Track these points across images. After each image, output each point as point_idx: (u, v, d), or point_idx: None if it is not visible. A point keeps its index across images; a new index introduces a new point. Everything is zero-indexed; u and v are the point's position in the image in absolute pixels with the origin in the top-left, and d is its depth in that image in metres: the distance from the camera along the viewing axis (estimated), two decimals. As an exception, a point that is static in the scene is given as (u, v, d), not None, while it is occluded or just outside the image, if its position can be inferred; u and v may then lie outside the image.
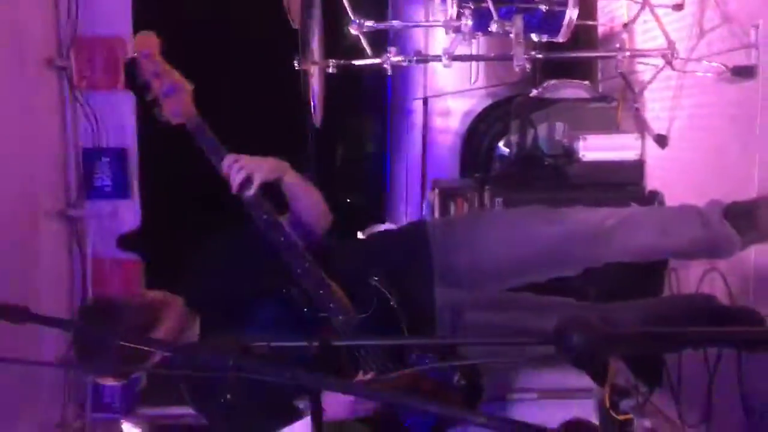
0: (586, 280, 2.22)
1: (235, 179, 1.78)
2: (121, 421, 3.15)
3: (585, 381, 3.28)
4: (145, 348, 1.61)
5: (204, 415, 1.76)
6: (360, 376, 1.78)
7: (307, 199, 1.93)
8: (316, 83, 2.86)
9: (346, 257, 1.95)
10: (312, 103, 2.90)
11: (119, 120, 3.16)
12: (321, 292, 1.80)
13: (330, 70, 2.85)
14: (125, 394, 3.17)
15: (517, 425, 0.74)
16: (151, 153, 3.29)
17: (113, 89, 3.14)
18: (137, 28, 3.08)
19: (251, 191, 1.79)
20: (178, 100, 1.78)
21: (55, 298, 3.03)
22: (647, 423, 2.86)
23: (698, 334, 1.03)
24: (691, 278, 2.53)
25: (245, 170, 1.78)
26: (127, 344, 1.40)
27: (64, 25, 3.01)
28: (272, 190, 1.87)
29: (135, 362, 1.67)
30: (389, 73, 2.63)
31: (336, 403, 1.64)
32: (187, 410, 3.15)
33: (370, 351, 1.84)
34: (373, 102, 4.76)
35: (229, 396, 0.86)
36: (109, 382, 1.95)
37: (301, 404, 1.67)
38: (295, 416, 1.69)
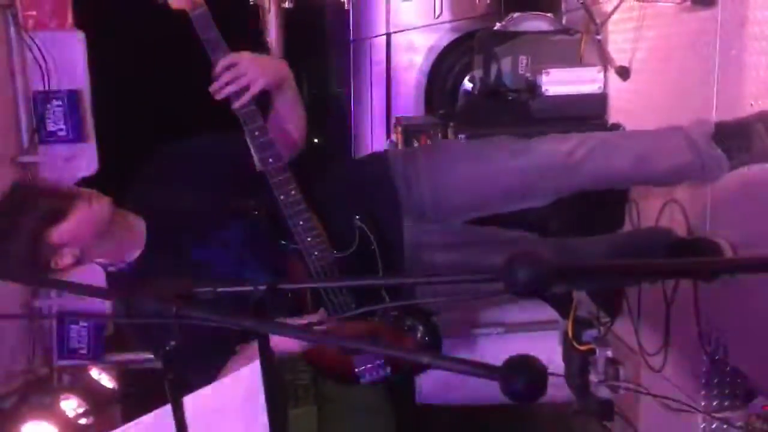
0: (547, 214, 2.22)
1: (230, 88, 1.66)
2: (89, 366, 3.14)
3: (550, 313, 3.34)
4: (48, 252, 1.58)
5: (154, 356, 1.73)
6: (318, 315, 1.74)
7: (293, 119, 1.83)
8: (272, 19, 2.78)
9: (324, 190, 1.85)
10: (267, 38, 2.83)
11: (70, 61, 3.05)
12: (301, 223, 1.72)
13: (287, 5, 2.77)
14: (92, 340, 3.16)
15: (461, 362, 0.74)
16: (106, 92, 3.19)
17: (63, 28, 3.02)
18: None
19: (245, 105, 1.67)
20: None
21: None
22: (609, 353, 2.93)
23: (649, 267, 1.03)
24: (651, 210, 2.55)
25: (244, 80, 1.66)
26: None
27: (5, -39, 2.87)
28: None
29: (38, 264, 1.61)
30: (346, 7, 2.55)
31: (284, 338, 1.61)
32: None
33: (337, 291, 1.79)
34: (335, 39, 4.65)
35: (173, 343, 0.85)
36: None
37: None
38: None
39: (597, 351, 2.91)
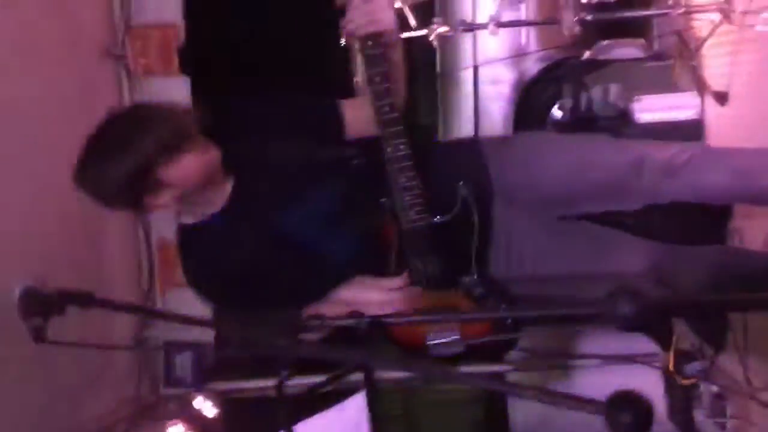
0: (644, 219, 2.11)
1: (364, 26, 1.60)
2: (193, 395, 3.27)
3: (648, 345, 3.26)
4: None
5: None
6: (401, 279, 1.69)
7: (401, 78, 1.77)
8: (359, 59, 2.87)
9: (427, 162, 1.79)
10: (355, 79, 2.93)
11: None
12: (403, 180, 1.67)
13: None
14: (196, 369, 3.29)
15: (564, 396, 0.76)
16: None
17: (168, 74, 3.22)
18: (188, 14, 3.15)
19: (377, 47, 1.60)
20: None
21: (124, 281, 3.16)
22: (714, 388, 2.81)
23: (758, 300, 1.01)
24: (755, 233, 2.46)
25: (378, 14, 1.59)
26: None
27: (118, 16, 3.09)
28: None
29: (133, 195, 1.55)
30: (435, 45, 2.61)
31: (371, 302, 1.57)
32: (256, 384, 3.29)
33: (429, 264, 1.73)
34: (423, 73, 4.73)
35: (285, 373, 0.89)
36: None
37: None
38: None
39: (701, 386, 2.80)
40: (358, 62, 1.87)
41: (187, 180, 1.60)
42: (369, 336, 0.95)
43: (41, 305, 1.07)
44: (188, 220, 1.79)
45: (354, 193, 1.74)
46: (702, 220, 2.42)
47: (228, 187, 1.74)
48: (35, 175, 2.51)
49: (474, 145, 2.00)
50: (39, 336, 1.02)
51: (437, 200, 1.72)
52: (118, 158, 1.54)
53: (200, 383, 3.31)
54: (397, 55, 1.74)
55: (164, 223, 3.27)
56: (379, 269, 1.74)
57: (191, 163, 1.58)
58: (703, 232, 2.57)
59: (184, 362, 3.30)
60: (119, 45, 3.12)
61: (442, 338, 1.76)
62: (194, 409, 3.26)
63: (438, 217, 1.72)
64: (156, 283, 3.26)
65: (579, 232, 1.97)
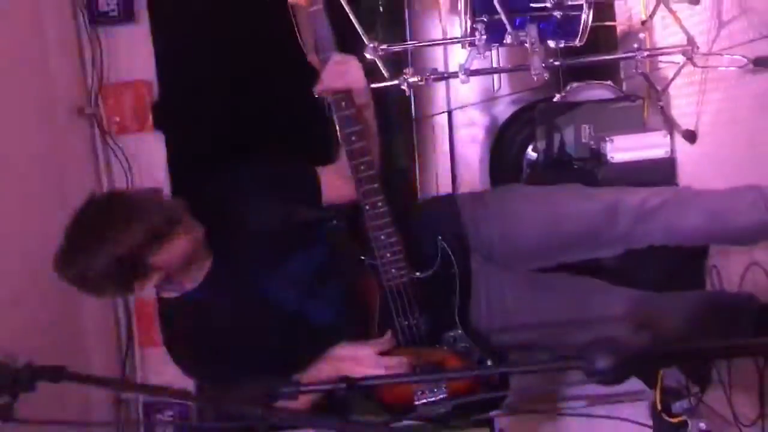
0: (620, 265, 2.12)
1: (337, 83, 1.64)
2: (175, 458, 3.20)
3: (636, 383, 3.24)
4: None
5: None
6: (385, 340, 1.70)
7: (373, 135, 1.81)
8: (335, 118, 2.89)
9: (410, 213, 1.86)
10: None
11: (151, 161, 3.23)
12: (383, 237, 1.68)
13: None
14: (178, 430, 3.22)
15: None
16: (182, 189, 3.35)
17: (142, 131, 3.22)
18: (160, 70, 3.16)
19: (350, 107, 1.64)
20: None
21: (102, 344, 3.11)
22: (702, 424, 2.79)
23: (735, 347, 1.01)
24: (732, 273, 2.47)
25: (349, 77, 1.65)
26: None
27: (91, 75, 3.10)
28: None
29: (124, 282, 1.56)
30: (407, 93, 2.64)
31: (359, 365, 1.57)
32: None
33: (412, 321, 1.73)
34: (398, 119, 4.77)
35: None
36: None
37: None
38: None
39: (689, 423, 2.78)
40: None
41: (175, 262, 1.63)
42: (349, 400, 0.94)
43: (10, 382, 1.04)
44: (170, 294, 1.79)
45: (334, 255, 1.76)
46: (679, 259, 2.44)
47: (209, 261, 1.75)
48: (5, 237, 2.48)
49: (451, 202, 2.04)
50: (5, 415, 0.98)
51: (417, 256, 1.75)
52: (106, 249, 1.53)
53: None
54: (370, 115, 1.78)
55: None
56: (362, 330, 1.74)
57: (180, 247, 1.60)
58: (682, 272, 2.59)
59: (166, 424, 3.23)
60: (92, 103, 3.11)
61: (430, 397, 1.75)
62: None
63: (419, 273, 1.74)
64: (134, 341, 3.21)
65: (557, 283, 1.98)
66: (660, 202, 1.91)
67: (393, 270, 1.70)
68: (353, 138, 1.66)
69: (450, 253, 1.74)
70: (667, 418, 2.95)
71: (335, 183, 1.84)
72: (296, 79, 1.84)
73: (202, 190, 1.79)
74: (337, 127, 1.69)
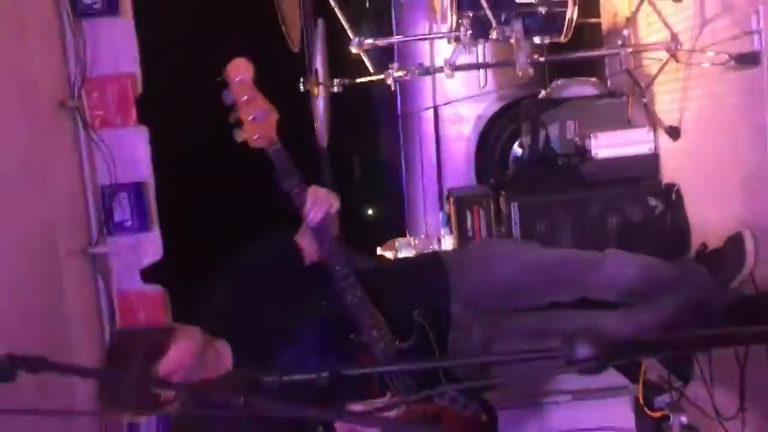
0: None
1: (319, 214, 1.86)
2: (159, 456, 3.18)
3: (619, 378, 3.24)
4: (156, 389, 1.64)
5: None
6: (386, 399, 1.83)
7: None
8: (320, 104, 2.90)
9: (387, 288, 2.00)
10: (315, 124, 2.95)
11: (135, 155, 3.20)
12: (366, 319, 1.87)
13: (335, 90, 2.88)
14: (160, 429, 3.20)
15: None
16: (168, 184, 3.34)
17: (127, 125, 3.19)
18: (144, 64, 3.14)
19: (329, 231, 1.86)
20: (264, 125, 1.84)
21: (85, 334, 3.08)
22: (684, 418, 2.81)
23: (710, 337, 1.02)
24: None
25: (326, 206, 1.86)
26: (139, 386, 1.45)
27: (74, 67, 3.07)
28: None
29: (150, 404, 1.69)
30: (393, 88, 2.65)
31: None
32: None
33: (400, 376, 1.89)
34: (384, 115, 4.78)
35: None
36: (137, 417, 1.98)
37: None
38: None
39: (671, 417, 2.80)
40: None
41: (183, 365, 1.76)
42: (328, 390, 0.94)
43: (-11, 372, 1.03)
44: None
45: (329, 334, 1.91)
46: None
47: (227, 348, 1.90)
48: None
49: (434, 257, 2.32)
50: (-15, 405, 0.97)
51: (399, 329, 1.92)
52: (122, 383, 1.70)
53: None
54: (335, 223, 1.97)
55: (125, 276, 3.22)
56: (364, 391, 1.87)
57: (177, 353, 1.75)
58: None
59: (149, 425, 3.21)
60: (75, 96, 3.09)
61: None
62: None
63: (401, 344, 1.90)
64: (117, 336, 3.18)
65: (525, 315, 2.15)
66: (603, 255, 2.20)
67: (380, 344, 1.88)
68: (327, 245, 1.88)
69: (426, 326, 1.92)
70: (649, 412, 2.98)
71: (312, 245, 1.97)
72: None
73: (201, 311, 1.96)
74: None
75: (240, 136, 1.84)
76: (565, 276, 2.13)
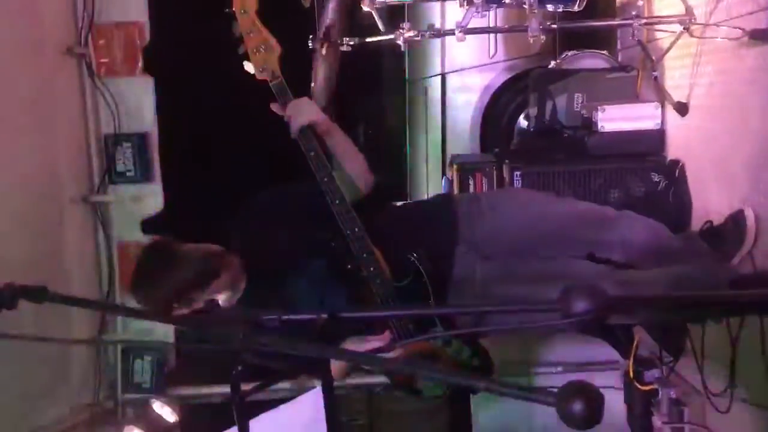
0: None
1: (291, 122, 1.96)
2: (152, 400, 3.21)
3: (610, 353, 3.28)
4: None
5: None
6: (383, 337, 1.93)
7: (351, 159, 2.10)
8: (320, 62, 2.91)
9: (388, 227, 2.08)
10: (312, 84, 2.96)
11: (139, 105, 3.18)
12: (365, 255, 1.93)
13: (344, 48, 2.85)
14: (155, 374, 3.23)
15: (518, 388, 0.75)
16: (171, 135, 3.32)
17: (132, 74, 3.17)
18: (153, 13, 3.11)
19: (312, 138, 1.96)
20: (268, 59, 1.96)
21: (84, 282, 3.10)
22: (672, 393, 2.84)
23: (710, 299, 1.02)
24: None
25: (304, 117, 1.96)
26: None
27: (81, 14, 3.04)
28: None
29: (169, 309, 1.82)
30: (403, 49, 2.62)
31: None
32: (214, 390, 3.24)
33: (402, 319, 1.95)
34: (392, 79, 4.74)
35: (240, 368, 0.90)
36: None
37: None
38: None
39: (660, 391, 2.83)
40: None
41: (219, 294, 1.92)
42: (326, 328, 0.95)
43: (-9, 300, 1.04)
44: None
45: (335, 266, 1.99)
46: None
47: (243, 283, 2.01)
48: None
49: (447, 199, 2.30)
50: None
51: (395, 267, 1.98)
52: (158, 294, 1.88)
53: (160, 388, 3.25)
54: (340, 138, 2.08)
55: (125, 226, 3.23)
56: (363, 327, 1.97)
57: (220, 286, 1.91)
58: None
59: (143, 367, 3.24)
60: (82, 43, 3.06)
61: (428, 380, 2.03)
62: (154, 414, 3.21)
63: (397, 282, 1.97)
64: (116, 285, 3.20)
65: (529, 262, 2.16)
66: (617, 214, 2.21)
67: (378, 281, 1.94)
68: (325, 179, 1.95)
69: (420, 266, 1.98)
70: (638, 386, 3.02)
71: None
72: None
73: (231, 223, 2.09)
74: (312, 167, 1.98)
75: (248, 67, 1.96)
76: (575, 233, 2.13)
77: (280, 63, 1.96)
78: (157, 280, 1.88)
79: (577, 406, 0.72)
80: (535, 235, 2.11)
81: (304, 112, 1.98)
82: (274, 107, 2.00)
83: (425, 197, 4.23)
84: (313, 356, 0.90)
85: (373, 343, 1.89)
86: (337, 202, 1.93)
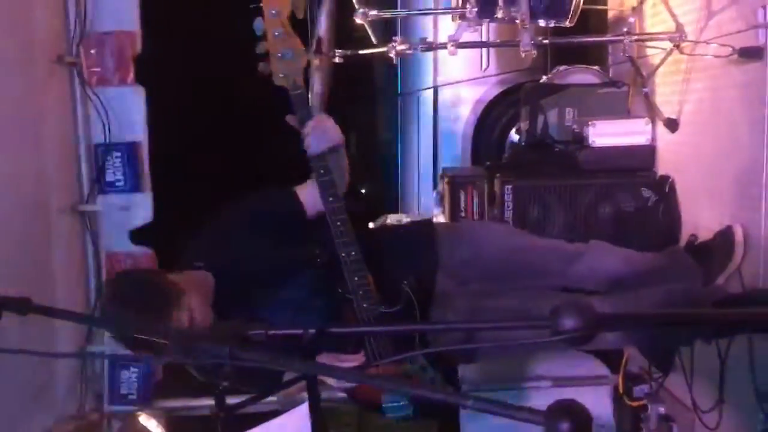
0: None
1: (312, 140, 1.89)
2: (138, 412, 3.18)
3: (600, 368, 3.27)
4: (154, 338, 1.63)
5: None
6: (357, 358, 1.91)
7: (342, 177, 2.03)
8: (315, 74, 2.89)
9: (380, 253, 2.05)
10: (309, 95, 2.95)
11: (130, 115, 3.16)
12: (356, 279, 1.90)
13: (336, 60, 2.86)
14: (142, 386, 3.21)
15: (505, 406, 0.75)
16: (162, 145, 3.31)
17: (124, 84, 3.15)
18: (145, 23, 3.10)
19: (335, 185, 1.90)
20: (292, 66, 1.85)
21: (71, 293, 3.07)
22: (661, 409, 2.84)
23: (699, 316, 1.02)
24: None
25: (330, 133, 1.91)
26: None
27: (73, 23, 3.03)
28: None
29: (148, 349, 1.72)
30: (395, 62, 2.63)
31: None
32: (202, 402, 3.22)
33: (378, 338, 1.95)
34: (384, 92, 4.75)
35: (225, 384, 0.88)
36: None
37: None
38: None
39: (649, 407, 2.83)
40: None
41: (198, 309, 1.83)
42: (312, 345, 0.94)
43: (-27, 311, 1.02)
44: None
45: (319, 284, 1.97)
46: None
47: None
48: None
49: (428, 226, 2.31)
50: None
51: (386, 294, 1.97)
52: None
53: (147, 400, 3.22)
54: (344, 161, 2.02)
55: (114, 236, 3.20)
56: (339, 347, 1.95)
57: (196, 300, 1.83)
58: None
59: (130, 378, 3.21)
60: (73, 52, 3.05)
61: (394, 402, 2.01)
62: (140, 426, 3.18)
63: (383, 308, 1.95)
64: (103, 297, 3.17)
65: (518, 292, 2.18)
66: (585, 248, 2.26)
67: (365, 304, 1.92)
68: (331, 199, 1.90)
69: (413, 297, 1.96)
70: (627, 401, 3.02)
71: (313, 199, 2.01)
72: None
73: (195, 244, 2.02)
74: (318, 190, 1.93)
75: (264, 69, 1.84)
76: (545, 267, 2.19)
77: (304, 73, 1.89)
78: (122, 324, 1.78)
79: (564, 426, 0.71)
80: (509, 268, 2.16)
81: (329, 133, 1.92)
82: (290, 119, 1.92)
83: (416, 210, 4.23)
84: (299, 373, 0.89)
85: (348, 362, 1.89)
86: (339, 223, 1.89)
